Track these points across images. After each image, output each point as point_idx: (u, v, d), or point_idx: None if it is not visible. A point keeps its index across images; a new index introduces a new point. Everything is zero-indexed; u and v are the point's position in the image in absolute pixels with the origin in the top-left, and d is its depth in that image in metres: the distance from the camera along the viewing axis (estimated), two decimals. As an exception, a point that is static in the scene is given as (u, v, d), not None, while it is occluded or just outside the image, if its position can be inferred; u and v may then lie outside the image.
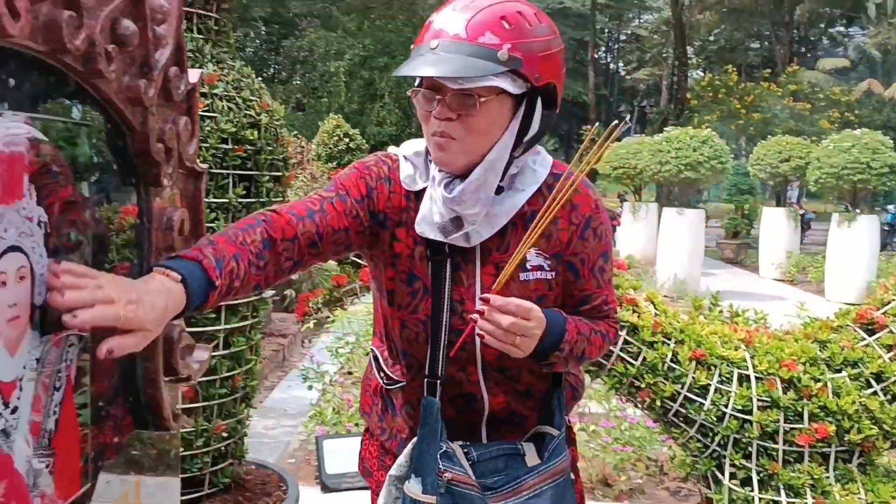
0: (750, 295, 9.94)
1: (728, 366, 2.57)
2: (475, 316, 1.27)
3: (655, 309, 2.67)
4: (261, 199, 2.54)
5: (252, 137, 2.47)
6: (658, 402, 2.55)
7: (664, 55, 33.99)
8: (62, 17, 0.85)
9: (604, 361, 2.55)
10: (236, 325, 2.54)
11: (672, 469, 3.73)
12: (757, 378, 2.54)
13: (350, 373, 4.97)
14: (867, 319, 2.66)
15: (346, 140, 11.11)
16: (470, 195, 1.30)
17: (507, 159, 1.32)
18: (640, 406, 2.67)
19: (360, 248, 1.42)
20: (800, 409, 2.49)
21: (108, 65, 0.96)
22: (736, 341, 2.65)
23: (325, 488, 3.50)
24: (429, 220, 1.34)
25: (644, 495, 3.68)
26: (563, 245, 1.39)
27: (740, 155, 23.48)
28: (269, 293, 2.83)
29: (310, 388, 4.65)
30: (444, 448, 1.33)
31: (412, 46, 1.31)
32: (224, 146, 2.41)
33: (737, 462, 2.54)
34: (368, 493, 1.61)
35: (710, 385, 2.52)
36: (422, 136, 1.39)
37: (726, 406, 2.51)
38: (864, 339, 2.63)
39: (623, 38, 44.24)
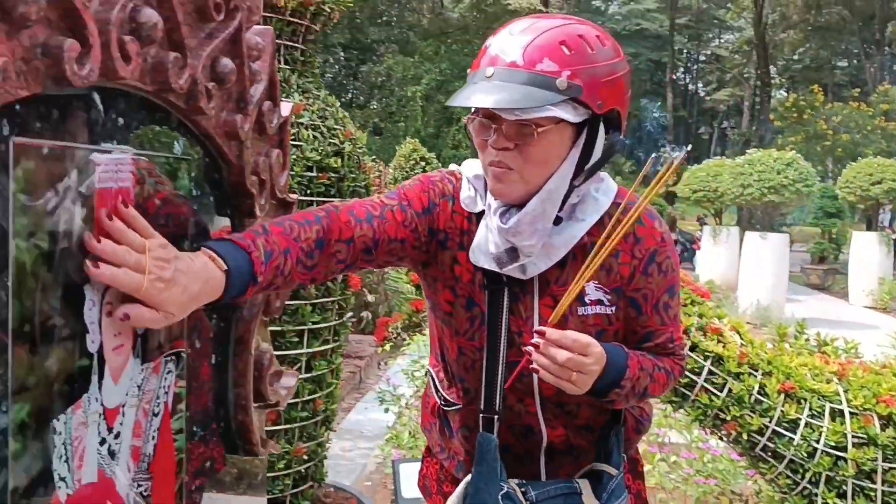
0: (839, 323, 9.54)
1: (819, 399, 2.46)
2: (530, 349, 1.22)
3: (741, 339, 2.59)
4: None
5: (336, 165, 2.53)
6: (745, 436, 2.46)
7: (745, 75, 33.25)
8: (168, 58, 0.89)
9: (687, 392, 2.49)
10: (318, 348, 2.58)
11: (758, 505, 3.59)
12: (851, 413, 2.43)
13: (426, 396, 4.98)
14: (972, 353, 2.52)
15: (423, 164, 11.23)
16: (526, 226, 1.24)
17: (566, 188, 1.25)
18: (724, 439, 2.58)
19: (413, 264, 1.38)
20: (899, 448, 2.37)
21: (208, 101, 0.99)
22: (828, 374, 2.54)
23: (402, 512, 3.50)
24: (483, 248, 1.29)
25: (728, 531, 3.55)
26: (624, 280, 1.32)
27: (827, 177, 22.68)
28: (347, 316, 2.87)
29: (386, 410, 4.68)
30: (506, 489, 1.29)
31: (468, 71, 1.26)
32: (309, 174, 2.47)
33: (830, 501, 2.42)
34: None
35: (800, 419, 2.43)
36: None
37: (818, 442, 2.41)
38: (968, 374, 2.49)
39: (702, 58, 43.52)
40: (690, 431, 3.98)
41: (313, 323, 2.54)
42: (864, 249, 12.49)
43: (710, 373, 2.48)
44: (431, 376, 1.52)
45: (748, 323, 6.19)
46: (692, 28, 37.03)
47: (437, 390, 1.49)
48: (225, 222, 1.16)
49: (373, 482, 4.08)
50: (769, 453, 2.48)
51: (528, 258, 1.27)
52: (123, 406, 0.91)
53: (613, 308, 1.32)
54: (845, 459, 2.38)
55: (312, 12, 2.58)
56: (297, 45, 2.60)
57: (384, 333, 3.55)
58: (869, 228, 13.31)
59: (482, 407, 1.34)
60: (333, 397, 2.75)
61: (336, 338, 2.69)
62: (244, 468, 1.26)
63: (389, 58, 27.31)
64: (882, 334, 4.33)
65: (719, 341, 2.52)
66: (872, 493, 2.38)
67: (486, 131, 1.22)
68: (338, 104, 2.72)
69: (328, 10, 2.62)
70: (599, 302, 1.31)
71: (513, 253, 1.26)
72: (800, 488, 2.47)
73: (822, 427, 2.42)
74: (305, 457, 2.61)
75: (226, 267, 0.98)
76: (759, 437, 2.45)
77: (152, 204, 0.96)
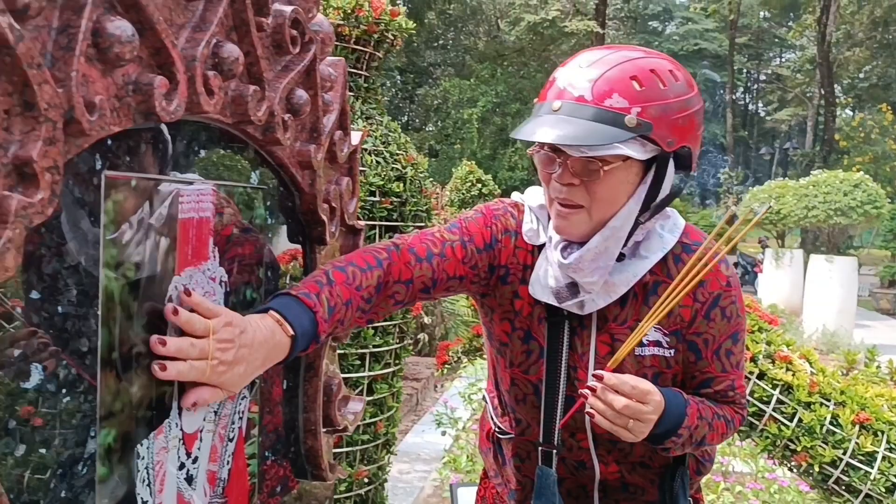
0: (911, 350, 9.18)
1: (897, 432, 2.37)
2: (586, 392, 1.18)
3: (811, 367, 2.52)
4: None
5: (398, 190, 2.55)
6: (816, 468, 2.38)
7: (808, 94, 32.52)
8: (248, 91, 0.91)
9: (755, 421, 2.42)
10: (379, 371, 2.60)
11: (829, 539, 3.46)
12: (931, 447, 2.33)
13: (483, 420, 4.96)
14: None
15: (479, 186, 11.27)
16: (588, 263, 1.21)
17: (631, 226, 1.21)
18: (794, 470, 2.51)
19: (471, 294, 1.36)
20: (983, 484, 2.26)
21: (284, 132, 1.02)
22: (905, 405, 2.45)
23: (460, 537, 3.47)
24: (543, 282, 1.26)
25: (797, 566, 3.42)
26: (684, 323, 1.27)
27: (897, 199, 21.96)
28: (407, 340, 2.89)
29: (443, 433, 4.67)
30: None
31: (535, 101, 1.23)
32: (372, 198, 2.50)
33: (909, 539, 2.32)
34: None
35: (877, 452, 2.34)
36: None
37: None
38: None
39: (763, 77, 42.76)
40: (756, 461, 3.87)
41: (375, 346, 2.56)
42: (936, 273, 12.04)
43: (779, 402, 2.41)
44: (487, 402, 1.51)
45: (815, 348, 6.00)
46: (752, 47, 36.46)
47: (491, 417, 1.48)
48: (292, 245, 1.18)
49: (430, 506, 4.06)
50: (843, 487, 2.39)
51: (588, 294, 1.24)
52: (201, 431, 0.92)
53: (672, 351, 1.28)
54: (925, 495, 2.29)
55: (376, 40, 2.62)
56: (361, 72, 2.64)
57: (444, 357, 3.55)
58: (942, 251, 12.83)
59: (540, 440, 1.33)
60: (394, 420, 2.75)
61: (397, 361, 2.70)
62: (310, 492, 1.27)
63: (445, 81, 27.55)
64: (960, 363, 4.15)
65: (788, 369, 2.45)
66: (955, 532, 2.28)
67: (552, 164, 1.19)
68: (399, 129, 2.75)
69: (391, 38, 2.66)
70: (658, 343, 1.27)
71: (573, 288, 1.23)
72: (876, 524, 2.38)
73: (899, 460, 2.32)
74: (366, 479, 2.62)
75: (292, 332, 0.97)
76: (833, 470, 2.36)
77: (229, 232, 0.98)
